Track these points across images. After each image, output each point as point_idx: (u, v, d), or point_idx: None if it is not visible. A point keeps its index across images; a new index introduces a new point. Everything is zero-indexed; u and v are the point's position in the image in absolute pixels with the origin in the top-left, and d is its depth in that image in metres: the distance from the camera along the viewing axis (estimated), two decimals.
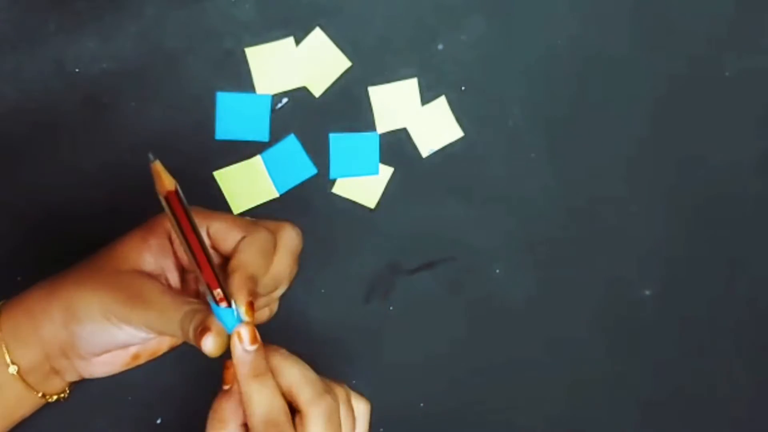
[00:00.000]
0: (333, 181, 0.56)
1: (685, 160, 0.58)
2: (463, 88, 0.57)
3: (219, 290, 0.41)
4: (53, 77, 0.54)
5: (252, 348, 0.42)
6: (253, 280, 0.43)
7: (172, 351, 0.49)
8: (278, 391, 0.42)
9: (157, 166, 0.39)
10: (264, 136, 0.55)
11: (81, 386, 0.55)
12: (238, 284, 0.42)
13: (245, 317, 0.42)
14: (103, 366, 0.47)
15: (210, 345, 0.41)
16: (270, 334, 0.57)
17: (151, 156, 0.39)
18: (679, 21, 0.58)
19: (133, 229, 0.46)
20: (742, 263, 0.59)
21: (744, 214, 0.59)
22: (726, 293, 0.59)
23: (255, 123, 0.55)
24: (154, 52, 0.55)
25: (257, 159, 0.55)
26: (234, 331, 0.42)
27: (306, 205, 0.56)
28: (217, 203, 0.55)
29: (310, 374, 0.44)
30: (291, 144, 0.56)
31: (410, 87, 0.56)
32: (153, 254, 0.45)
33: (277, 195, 0.56)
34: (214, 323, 0.41)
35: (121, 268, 0.45)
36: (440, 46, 0.56)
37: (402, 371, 0.57)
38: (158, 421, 0.55)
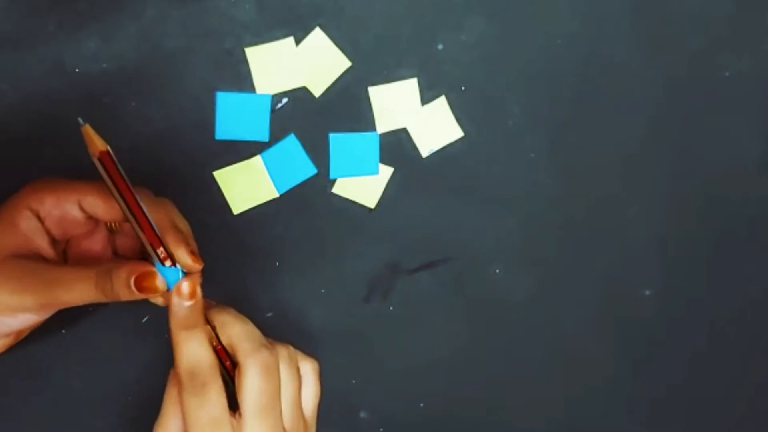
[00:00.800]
0: (333, 181, 0.56)
1: (685, 160, 0.58)
2: (463, 88, 0.57)
3: (162, 249, 0.42)
4: (53, 77, 0.54)
5: (188, 303, 0.42)
6: (184, 235, 0.44)
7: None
8: (207, 344, 0.43)
9: (88, 129, 0.40)
10: (264, 136, 0.55)
11: (81, 386, 0.55)
12: (174, 240, 0.43)
13: (195, 265, 0.43)
14: None
15: (161, 281, 0.41)
16: (270, 333, 0.57)
17: (80, 120, 0.40)
18: (679, 21, 0.58)
19: None
20: (742, 263, 0.59)
21: (744, 214, 0.59)
22: (726, 293, 0.59)
23: (255, 123, 0.55)
24: (154, 52, 0.55)
25: (257, 159, 0.55)
26: (176, 284, 0.42)
27: (306, 205, 0.56)
28: (217, 203, 0.55)
29: (251, 330, 0.45)
30: (291, 144, 0.56)
31: (410, 87, 0.56)
32: (24, 236, 0.44)
33: (277, 195, 0.56)
34: (152, 267, 0.42)
35: None
36: (440, 46, 0.56)
37: (402, 371, 0.57)
38: None
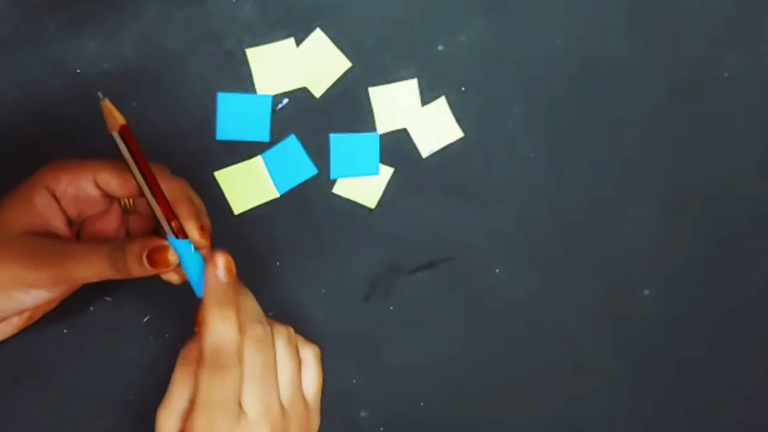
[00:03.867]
0: (333, 182, 0.56)
1: (685, 161, 0.58)
2: (463, 88, 0.57)
3: (175, 222, 0.42)
4: (54, 78, 0.54)
5: (224, 278, 0.42)
6: (197, 210, 0.45)
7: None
8: (236, 324, 0.43)
9: (108, 104, 0.41)
10: (265, 136, 0.56)
11: (82, 386, 0.55)
12: (185, 213, 0.43)
13: (201, 240, 0.43)
14: None
15: (173, 255, 0.42)
16: None
17: (100, 95, 0.41)
18: (679, 21, 0.58)
19: (10, 194, 0.46)
20: (742, 263, 0.59)
21: (744, 214, 0.59)
22: (726, 293, 0.59)
23: (256, 123, 0.55)
24: (155, 53, 0.55)
25: (258, 159, 0.56)
26: (213, 257, 0.43)
27: (306, 205, 0.56)
28: (218, 203, 0.55)
29: (251, 305, 0.44)
30: (291, 144, 0.56)
31: (410, 87, 0.56)
32: (40, 214, 0.45)
33: (277, 195, 0.56)
34: (164, 241, 0.42)
35: (12, 232, 0.44)
36: (440, 47, 0.57)
37: (402, 371, 0.57)
38: None
